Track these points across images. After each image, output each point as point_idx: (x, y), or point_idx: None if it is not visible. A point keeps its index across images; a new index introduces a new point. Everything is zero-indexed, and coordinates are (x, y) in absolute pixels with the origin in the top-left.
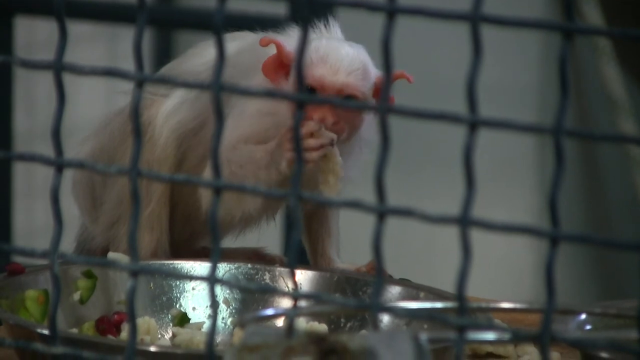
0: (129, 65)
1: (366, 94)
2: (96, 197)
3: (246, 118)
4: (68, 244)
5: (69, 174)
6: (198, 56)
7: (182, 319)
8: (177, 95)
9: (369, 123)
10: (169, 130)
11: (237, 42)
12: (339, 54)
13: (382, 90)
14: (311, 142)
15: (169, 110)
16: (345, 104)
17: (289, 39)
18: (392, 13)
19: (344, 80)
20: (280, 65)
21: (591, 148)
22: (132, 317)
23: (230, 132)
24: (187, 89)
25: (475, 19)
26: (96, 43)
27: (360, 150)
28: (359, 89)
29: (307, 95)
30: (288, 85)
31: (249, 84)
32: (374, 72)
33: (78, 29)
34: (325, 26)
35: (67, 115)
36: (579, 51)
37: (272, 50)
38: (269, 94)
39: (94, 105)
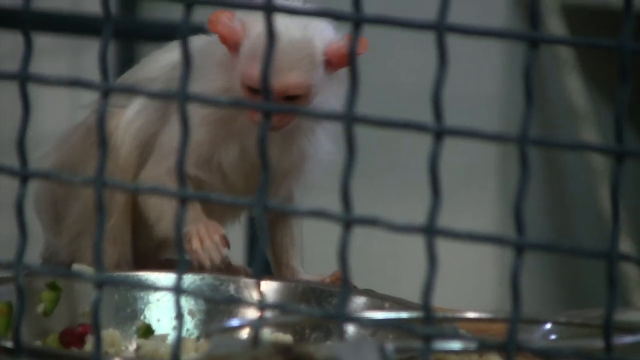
0: (93, 78)
1: (314, 84)
2: (59, 212)
3: (202, 127)
4: (33, 260)
5: (32, 188)
6: (153, 62)
7: (147, 331)
8: (136, 103)
9: (329, 93)
10: (130, 137)
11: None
12: (280, 47)
13: (348, 99)
14: (199, 251)
15: (129, 118)
16: (312, 112)
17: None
18: (358, 22)
19: (284, 82)
20: (226, 41)
21: (554, 158)
22: (96, 329)
23: (167, 147)
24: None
25: (440, 28)
26: (59, 56)
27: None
28: (303, 85)
29: (276, 106)
30: (236, 65)
31: (201, 87)
32: (323, 44)
33: (41, 41)
34: None
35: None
36: (542, 62)
37: (218, 48)
38: (236, 104)
39: (58, 118)
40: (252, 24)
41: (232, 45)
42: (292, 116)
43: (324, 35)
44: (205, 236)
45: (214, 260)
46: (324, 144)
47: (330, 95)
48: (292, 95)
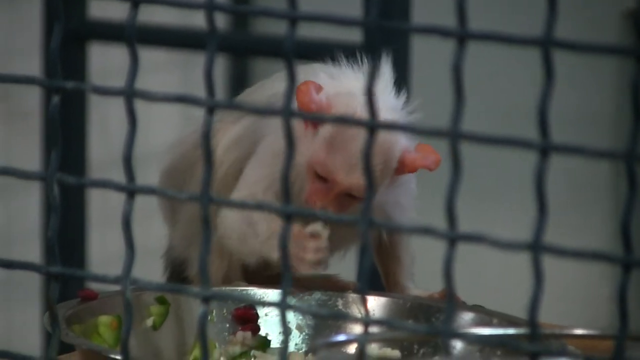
0: (202, 92)
1: (378, 190)
2: (174, 206)
3: (277, 157)
4: (145, 273)
5: (141, 204)
6: (266, 88)
7: (263, 344)
8: (235, 130)
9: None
10: (226, 165)
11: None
12: (358, 143)
13: (453, 116)
14: (311, 245)
15: (228, 143)
16: (413, 128)
17: (331, 79)
18: (463, 38)
19: (352, 181)
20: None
21: None
22: (204, 342)
23: (262, 169)
24: (248, 121)
25: (547, 44)
26: (170, 70)
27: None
28: (361, 185)
29: (377, 123)
30: (314, 139)
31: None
32: (401, 148)
33: (152, 55)
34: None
35: (140, 142)
36: None
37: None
38: (341, 120)
39: (168, 133)
40: (338, 105)
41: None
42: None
43: (402, 141)
44: (303, 245)
45: (317, 267)
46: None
47: (389, 199)
48: (353, 195)
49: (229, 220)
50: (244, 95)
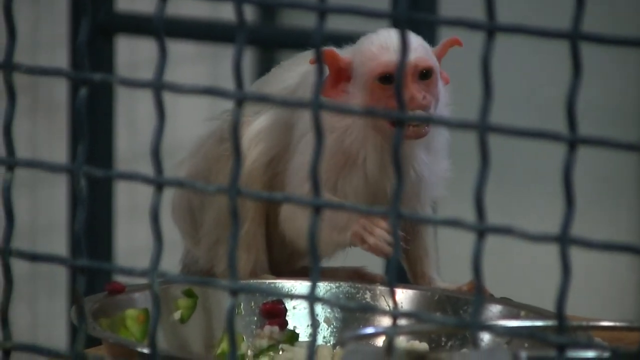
0: (230, 85)
1: (436, 65)
2: (196, 220)
3: (324, 155)
4: (172, 267)
5: (168, 197)
6: (286, 72)
7: (292, 337)
8: (260, 120)
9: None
10: (252, 158)
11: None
12: (396, 37)
13: (481, 109)
14: (377, 243)
15: (252, 137)
16: (443, 121)
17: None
18: (491, 31)
19: (415, 56)
20: (338, 75)
21: None
22: (232, 335)
23: (303, 171)
24: (273, 113)
25: (575, 37)
26: (198, 63)
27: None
28: (429, 59)
29: (407, 115)
30: (352, 90)
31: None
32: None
33: (180, 48)
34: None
35: (168, 135)
36: None
37: None
38: (369, 112)
39: (196, 125)
40: (356, 50)
41: (345, 71)
42: (430, 98)
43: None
44: (373, 227)
45: (390, 245)
46: (439, 162)
47: (443, 107)
48: (423, 73)
49: (299, 221)
50: (263, 81)
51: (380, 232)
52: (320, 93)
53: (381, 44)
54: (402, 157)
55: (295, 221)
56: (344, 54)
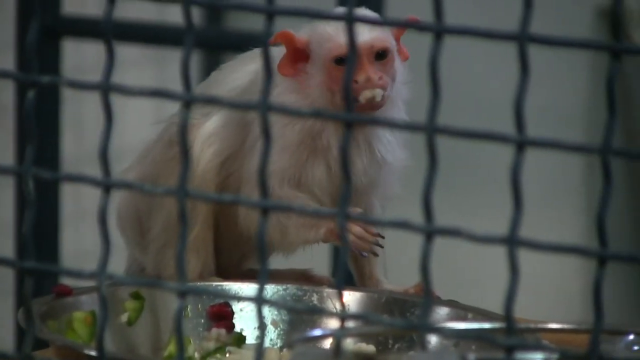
0: (177, 88)
1: (393, 45)
2: (143, 226)
3: (286, 150)
4: (120, 269)
5: (115, 205)
6: (233, 72)
7: (239, 340)
8: (212, 121)
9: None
10: (205, 160)
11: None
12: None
13: (430, 110)
14: (358, 242)
15: (205, 138)
16: (391, 123)
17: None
18: (439, 33)
19: (371, 36)
20: (295, 55)
21: (639, 169)
22: (179, 338)
23: (273, 163)
24: (224, 115)
25: (522, 39)
26: (144, 67)
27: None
28: (386, 39)
29: (356, 115)
30: (311, 71)
31: (278, 99)
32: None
33: (126, 52)
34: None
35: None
36: (626, 72)
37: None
38: (316, 114)
39: (142, 129)
40: (313, 30)
41: (302, 52)
42: (386, 78)
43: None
44: (350, 225)
45: (372, 244)
46: (396, 151)
47: (398, 101)
48: (379, 53)
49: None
50: (210, 81)
51: (358, 230)
52: (278, 71)
53: (336, 25)
54: (367, 138)
55: (255, 219)
56: (301, 34)
